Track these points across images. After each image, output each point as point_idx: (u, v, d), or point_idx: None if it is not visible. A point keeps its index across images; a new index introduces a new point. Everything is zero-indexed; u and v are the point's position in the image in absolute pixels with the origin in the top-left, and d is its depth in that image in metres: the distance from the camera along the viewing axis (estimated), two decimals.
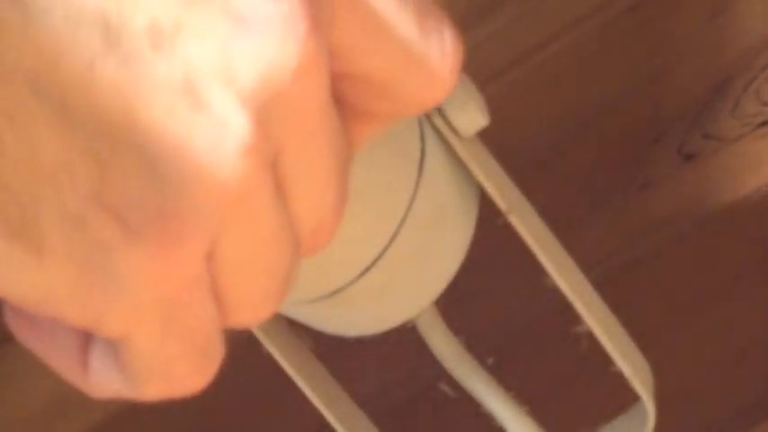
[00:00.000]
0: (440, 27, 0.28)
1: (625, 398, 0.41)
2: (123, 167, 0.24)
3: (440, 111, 0.35)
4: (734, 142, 0.54)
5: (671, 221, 0.55)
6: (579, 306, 0.38)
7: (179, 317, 0.25)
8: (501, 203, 0.36)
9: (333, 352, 0.41)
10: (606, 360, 0.40)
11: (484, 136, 0.36)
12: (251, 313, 0.27)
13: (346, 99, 0.28)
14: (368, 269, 0.34)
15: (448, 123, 0.35)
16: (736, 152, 0.54)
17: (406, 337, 0.39)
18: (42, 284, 0.24)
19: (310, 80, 0.25)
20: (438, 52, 0.28)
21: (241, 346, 0.54)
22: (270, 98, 0.25)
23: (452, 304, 0.39)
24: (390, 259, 0.34)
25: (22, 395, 0.54)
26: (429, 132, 0.35)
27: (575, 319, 0.39)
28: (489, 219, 0.37)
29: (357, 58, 0.27)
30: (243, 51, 0.24)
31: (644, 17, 0.50)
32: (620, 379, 0.40)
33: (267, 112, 0.25)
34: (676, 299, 0.58)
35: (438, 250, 0.36)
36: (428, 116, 0.35)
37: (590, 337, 0.39)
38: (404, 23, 0.27)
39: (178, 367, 0.26)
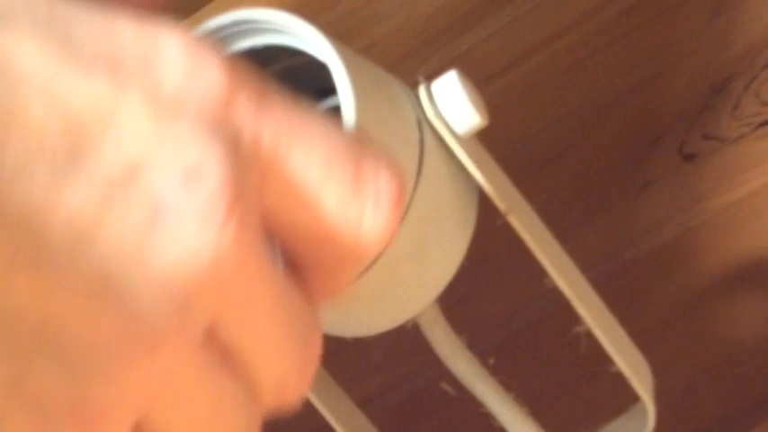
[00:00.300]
0: (375, 171, 0.28)
1: (626, 398, 0.41)
2: (43, 363, 0.24)
3: (438, 112, 0.35)
4: (734, 142, 0.54)
5: (671, 221, 0.55)
6: (578, 306, 0.38)
7: None
8: (499, 204, 0.36)
9: (333, 351, 0.41)
10: (606, 360, 0.40)
11: (483, 136, 0.36)
12: None
13: (293, 258, 0.28)
14: (366, 270, 0.34)
15: (446, 124, 0.35)
16: (736, 152, 0.54)
17: (407, 336, 0.39)
18: None
19: (232, 262, 0.25)
20: (372, 202, 0.28)
21: None
22: (189, 286, 0.25)
23: (453, 304, 0.39)
24: (389, 260, 0.34)
25: None
26: (427, 133, 0.35)
27: (575, 319, 0.39)
28: (489, 219, 0.37)
29: (290, 223, 0.27)
30: (160, 241, 0.24)
31: (644, 17, 0.50)
32: (620, 379, 0.40)
33: (188, 297, 0.25)
34: (676, 299, 0.58)
35: (437, 251, 0.36)
36: (426, 117, 0.35)
37: (590, 337, 0.39)
38: (335, 182, 0.27)
39: None
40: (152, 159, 0.24)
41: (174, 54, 0.25)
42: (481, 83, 0.36)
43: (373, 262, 0.34)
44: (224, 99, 0.25)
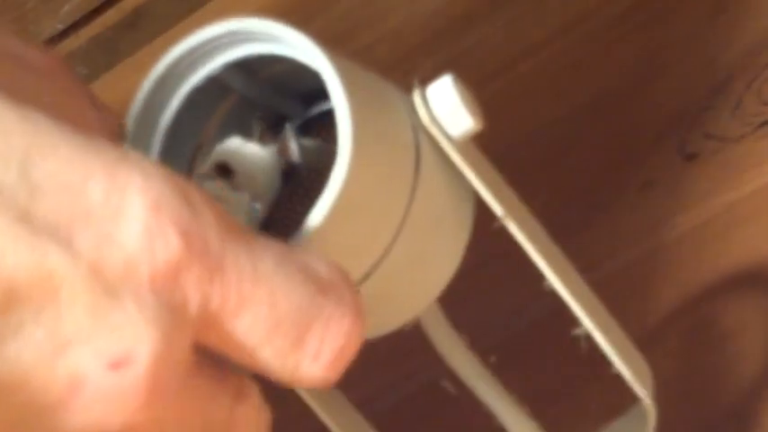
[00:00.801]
0: (322, 334, 0.28)
1: (626, 398, 0.41)
2: None
3: (433, 116, 0.35)
4: (735, 142, 0.54)
5: (671, 221, 0.55)
6: (576, 309, 0.38)
7: None
8: (496, 208, 0.36)
9: None
10: (607, 361, 0.40)
11: (483, 136, 0.36)
12: None
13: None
14: (365, 277, 0.34)
15: (441, 129, 0.35)
16: (737, 152, 0.54)
17: (407, 335, 0.39)
18: None
19: (145, 423, 0.26)
20: (309, 358, 0.28)
21: None
22: None
23: (455, 304, 0.39)
24: (387, 267, 0.34)
25: None
26: (423, 138, 0.35)
27: (576, 320, 0.39)
28: (491, 219, 0.37)
29: (227, 355, 0.28)
30: (72, 414, 0.25)
31: (644, 17, 0.50)
32: (621, 379, 0.40)
33: None
34: (676, 299, 0.58)
35: (435, 254, 0.36)
36: (421, 122, 0.35)
37: (589, 338, 0.39)
38: (275, 344, 0.28)
39: None
40: (85, 339, 0.25)
41: (136, 216, 0.25)
42: (480, 83, 0.36)
43: (373, 270, 0.34)
44: (177, 269, 0.26)
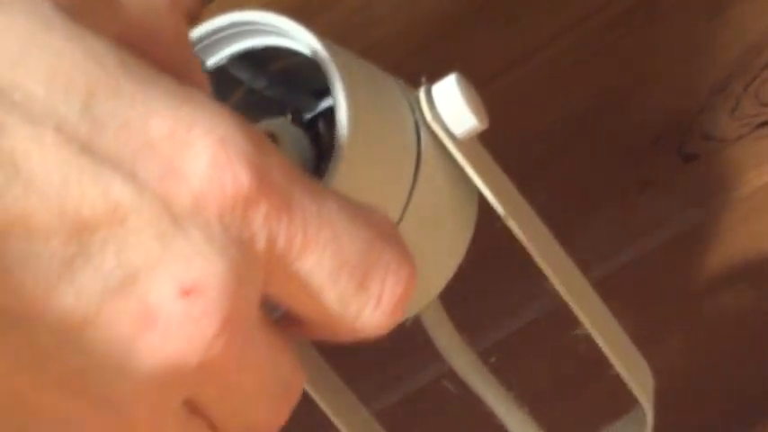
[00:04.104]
0: (382, 278, 0.28)
1: (627, 399, 0.41)
2: None
3: (437, 115, 0.35)
4: (734, 143, 0.54)
5: (671, 222, 0.55)
6: (577, 310, 0.38)
7: None
8: (498, 207, 0.36)
9: (334, 349, 0.41)
10: (607, 361, 0.40)
11: (483, 136, 0.36)
12: None
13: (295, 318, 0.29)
14: None
15: (445, 128, 0.35)
16: (736, 153, 0.54)
17: (407, 334, 0.39)
18: None
19: (221, 358, 0.26)
20: (372, 304, 0.28)
21: None
22: (172, 387, 0.25)
23: (456, 303, 0.39)
24: None
25: None
26: (426, 136, 0.35)
27: (576, 319, 0.39)
28: (493, 217, 0.37)
29: (294, 305, 0.28)
30: (146, 347, 0.25)
31: (643, 17, 0.50)
32: (621, 380, 0.40)
33: (169, 396, 0.26)
34: (676, 299, 0.58)
35: (435, 252, 0.36)
36: (425, 120, 0.35)
37: (589, 339, 0.39)
38: (339, 286, 0.28)
39: None
40: (154, 269, 0.25)
41: (202, 149, 0.25)
42: (481, 83, 0.36)
43: None
44: (246, 204, 0.26)
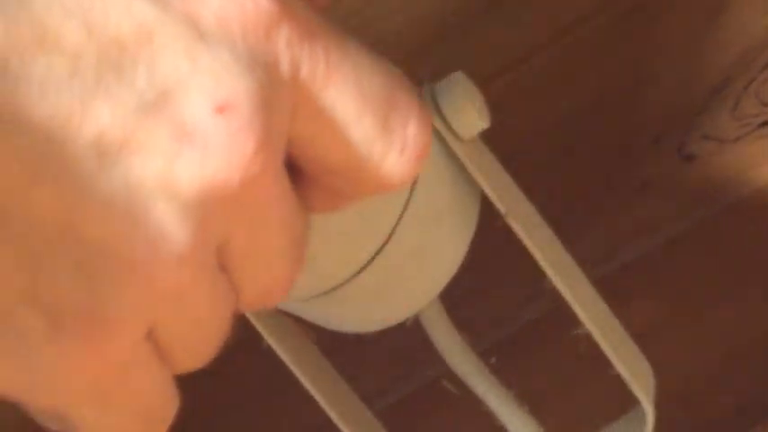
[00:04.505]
0: (404, 117, 0.29)
1: (627, 398, 0.41)
2: (57, 272, 0.24)
3: (440, 113, 0.35)
4: (734, 143, 0.54)
5: (671, 222, 0.55)
6: (578, 310, 0.38)
7: (117, 392, 0.26)
8: (500, 206, 0.36)
9: (334, 349, 0.41)
10: (608, 361, 0.40)
11: (483, 136, 0.36)
12: (195, 362, 0.28)
13: (312, 177, 0.29)
14: (363, 268, 0.34)
15: (447, 126, 0.35)
16: (736, 153, 0.54)
17: (407, 334, 0.39)
18: None
19: (257, 186, 0.26)
20: (399, 144, 0.28)
21: (240, 346, 0.54)
22: (213, 206, 0.25)
23: (454, 303, 0.39)
24: (386, 259, 0.34)
25: None
26: None
27: (577, 319, 0.39)
28: (494, 217, 0.37)
29: (318, 148, 0.28)
30: (187, 166, 0.25)
31: (644, 17, 0.50)
32: (621, 380, 0.40)
33: (210, 217, 0.25)
34: (676, 299, 0.58)
35: (436, 251, 0.36)
36: None
37: (590, 339, 0.39)
38: (366, 121, 0.28)
39: None
40: (186, 86, 0.25)
41: None
42: (481, 83, 0.36)
43: (370, 260, 0.34)
44: (268, 25, 0.26)
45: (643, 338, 0.42)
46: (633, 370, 0.40)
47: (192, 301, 0.26)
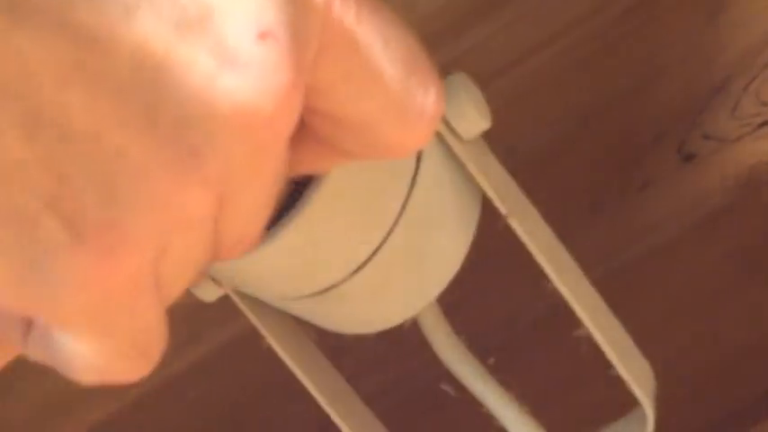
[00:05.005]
0: (425, 84, 0.29)
1: (627, 398, 0.41)
2: (81, 181, 0.24)
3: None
4: (734, 142, 0.54)
5: (671, 221, 0.55)
6: (579, 311, 0.38)
7: (120, 317, 0.26)
8: (500, 207, 0.36)
9: (333, 350, 0.41)
10: (608, 362, 0.40)
11: (483, 136, 0.36)
12: (173, 298, 0.28)
13: (317, 131, 0.29)
14: (361, 267, 0.34)
15: (448, 126, 0.35)
16: (736, 152, 0.54)
17: (406, 336, 0.39)
18: None
19: (280, 126, 0.26)
20: (418, 109, 0.28)
21: (241, 346, 0.54)
22: (237, 138, 0.25)
23: (454, 304, 0.39)
24: (384, 258, 0.34)
25: (23, 395, 0.54)
26: None
27: (577, 320, 0.39)
28: (493, 219, 0.37)
29: (336, 99, 0.28)
30: (224, 88, 0.25)
31: (644, 17, 0.50)
32: (621, 381, 0.40)
33: (230, 149, 0.25)
34: (676, 299, 0.58)
35: (435, 251, 0.36)
36: None
37: (591, 339, 0.39)
38: (389, 77, 0.28)
39: (115, 363, 0.26)
40: (227, 9, 0.25)
41: None
42: (481, 83, 0.36)
43: (368, 258, 0.34)
44: None
45: (643, 338, 0.42)
46: (633, 370, 0.40)
47: (196, 236, 0.26)
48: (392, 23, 0.28)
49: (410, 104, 0.28)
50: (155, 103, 0.24)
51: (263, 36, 0.25)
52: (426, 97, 0.28)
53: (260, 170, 0.27)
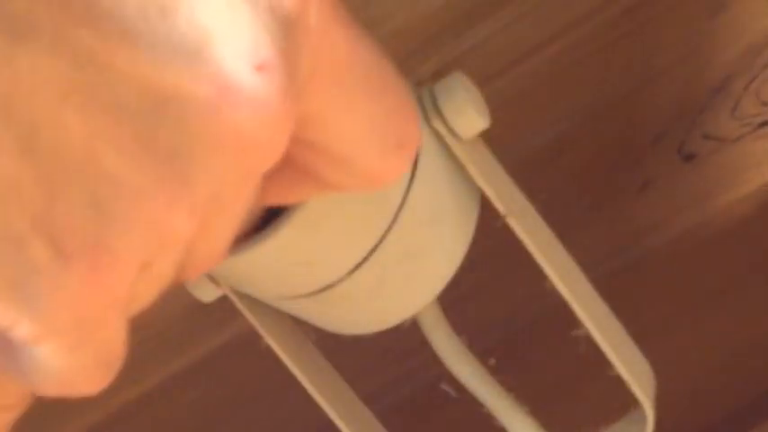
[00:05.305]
0: (405, 113, 0.29)
1: (627, 398, 0.41)
2: (72, 201, 0.24)
3: (440, 113, 0.35)
4: (734, 142, 0.54)
5: (671, 222, 0.55)
6: (578, 311, 0.38)
7: (93, 333, 0.26)
8: (499, 206, 0.36)
9: (334, 349, 0.41)
10: (608, 362, 0.40)
11: (482, 136, 0.36)
12: (137, 311, 0.28)
13: (297, 160, 0.29)
14: (357, 267, 0.34)
15: (447, 126, 0.35)
16: (736, 152, 0.54)
17: (406, 336, 0.39)
18: None
19: (272, 154, 0.26)
20: (398, 139, 0.29)
21: (240, 346, 0.54)
22: (230, 166, 0.26)
23: (453, 304, 0.39)
24: (382, 258, 0.34)
25: None
26: (426, 133, 0.35)
27: (576, 320, 0.39)
28: (492, 218, 0.37)
29: (320, 128, 0.28)
30: (221, 120, 0.25)
31: (644, 17, 0.50)
32: (622, 381, 0.40)
33: (222, 176, 0.26)
34: (676, 299, 0.58)
35: (433, 250, 0.36)
36: (427, 118, 0.35)
37: (590, 339, 0.39)
38: (373, 106, 0.28)
39: (79, 376, 0.26)
40: (225, 35, 0.25)
41: None
42: (481, 83, 0.36)
43: (366, 258, 0.34)
44: None
45: (643, 338, 0.42)
46: (633, 370, 0.40)
47: (172, 256, 0.27)
48: (373, 52, 0.28)
49: (391, 134, 0.29)
50: (152, 128, 0.25)
51: (260, 68, 0.25)
52: (407, 128, 0.29)
53: (241, 195, 0.27)
